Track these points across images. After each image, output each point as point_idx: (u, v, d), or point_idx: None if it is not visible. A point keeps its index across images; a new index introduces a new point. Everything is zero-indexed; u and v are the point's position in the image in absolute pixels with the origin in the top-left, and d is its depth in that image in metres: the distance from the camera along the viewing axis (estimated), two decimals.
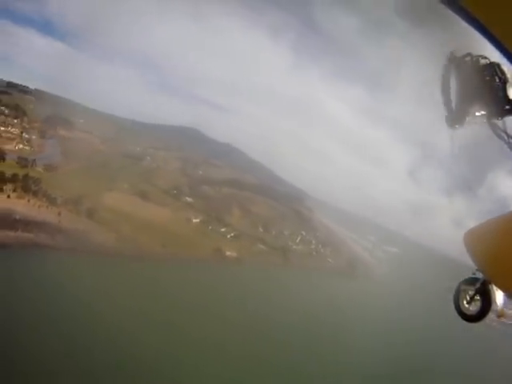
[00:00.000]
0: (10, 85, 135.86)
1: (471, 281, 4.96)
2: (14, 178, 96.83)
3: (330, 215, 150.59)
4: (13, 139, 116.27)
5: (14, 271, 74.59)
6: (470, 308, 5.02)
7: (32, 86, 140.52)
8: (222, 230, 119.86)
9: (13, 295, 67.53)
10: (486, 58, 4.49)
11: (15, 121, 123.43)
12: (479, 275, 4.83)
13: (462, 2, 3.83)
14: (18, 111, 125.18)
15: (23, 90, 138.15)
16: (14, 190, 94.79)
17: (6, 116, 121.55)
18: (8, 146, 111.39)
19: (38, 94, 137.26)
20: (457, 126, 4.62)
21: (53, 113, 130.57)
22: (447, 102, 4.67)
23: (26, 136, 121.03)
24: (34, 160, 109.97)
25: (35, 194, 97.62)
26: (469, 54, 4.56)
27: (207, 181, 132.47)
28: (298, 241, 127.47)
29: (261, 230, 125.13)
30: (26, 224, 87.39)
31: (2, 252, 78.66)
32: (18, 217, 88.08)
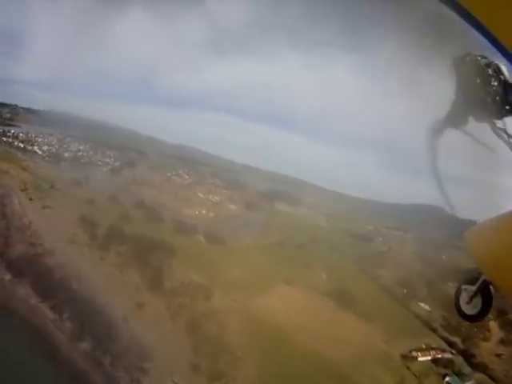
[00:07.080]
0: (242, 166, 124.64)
1: (472, 280, 4.80)
2: (132, 239, 62.23)
3: None
4: (202, 205, 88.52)
5: None
6: (471, 308, 4.83)
7: (264, 168, 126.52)
8: None
9: None
10: (485, 57, 4.38)
11: (224, 191, 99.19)
12: (480, 275, 4.68)
13: None
14: (234, 183, 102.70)
15: (254, 170, 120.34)
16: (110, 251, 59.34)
17: (222, 188, 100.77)
18: (187, 211, 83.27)
19: (265, 174, 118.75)
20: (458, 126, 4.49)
21: (275, 188, 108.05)
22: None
23: (221, 203, 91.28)
24: (196, 225, 74.09)
25: (130, 259, 57.60)
26: (469, 54, 4.43)
27: (451, 272, 60.94)
28: None
29: None
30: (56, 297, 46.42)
31: None
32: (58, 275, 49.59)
